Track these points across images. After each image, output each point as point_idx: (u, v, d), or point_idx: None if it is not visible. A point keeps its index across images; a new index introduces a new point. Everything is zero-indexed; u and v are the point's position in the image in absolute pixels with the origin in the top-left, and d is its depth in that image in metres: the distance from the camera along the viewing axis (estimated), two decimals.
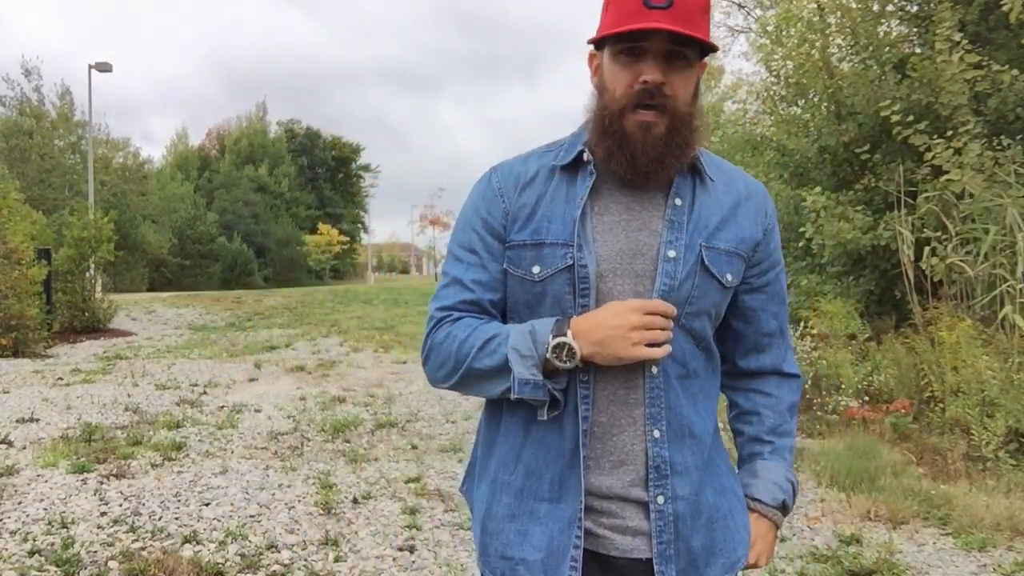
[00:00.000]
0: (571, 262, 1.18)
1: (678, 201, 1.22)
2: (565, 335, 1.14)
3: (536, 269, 1.20)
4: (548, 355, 1.14)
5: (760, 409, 1.36)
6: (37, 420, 6.26)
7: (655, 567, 1.18)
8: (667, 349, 1.14)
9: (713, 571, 1.23)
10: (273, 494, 4.32)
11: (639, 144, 1.16)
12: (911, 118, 6.74)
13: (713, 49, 1.16)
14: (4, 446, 5.38)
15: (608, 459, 1.20)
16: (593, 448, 1.20)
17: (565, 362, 1.14)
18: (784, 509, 1.34)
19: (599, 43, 1.21)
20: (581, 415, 1.19)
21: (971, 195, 6.22)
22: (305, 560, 3.43)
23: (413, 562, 3.43)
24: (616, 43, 1.16)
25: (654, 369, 1.19)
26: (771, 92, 10.03)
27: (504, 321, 1.27)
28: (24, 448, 5.34)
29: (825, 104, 9.06)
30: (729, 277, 1.23)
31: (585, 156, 1.23)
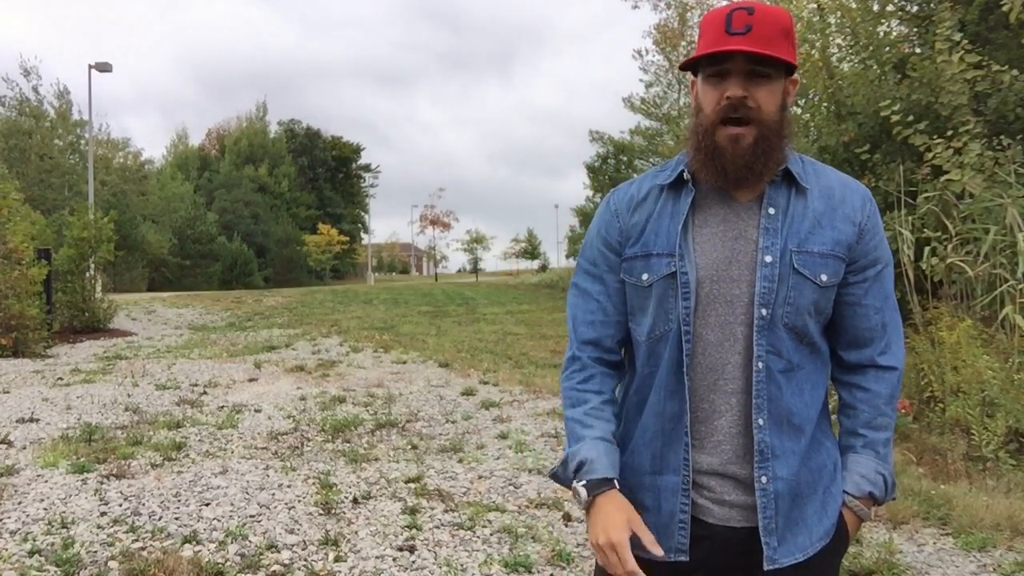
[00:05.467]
0: (674, 270, 1.36)
1: (771, 210, 1.35)
2: (581, 493, 1.37)
3: (645, 276, 1.39)
4: (573, 482, 1.40)
5: (856, 403, 1.44)
6: (37, 420, 6.26)
7: (761, 538, 1.33)
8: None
9: (806, 539, 1.37)
10: (273, 494, 4.32)
11: (729, 155, 1.31)
12: (911, 118, 6.74)
13: (793, 65, 1.32)
14: (4, 446, 5.38)
15: (709, 440, 1.36)
16: (697, 431, 1.37)
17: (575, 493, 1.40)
18: (873, 501, 1.43)
19: (695, 70, 1.38)
20: (687, 400, 1.36)
21: (971, 195, 6.22)
22: (305, 560, 3.43)
23: (413, 562, 3.43)
24: (706, 68, 1.33)
25: (759, 364, 1.32)
26: None
27: (623, 320, 1.46)
28: (24, 448, 5.34)
29: (825, 104, 9.07)
30: (824, 277, 1.34)
31: (685, 175, 1.39)
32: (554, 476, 1.47)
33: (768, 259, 1.32)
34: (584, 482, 1.36)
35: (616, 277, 1.44)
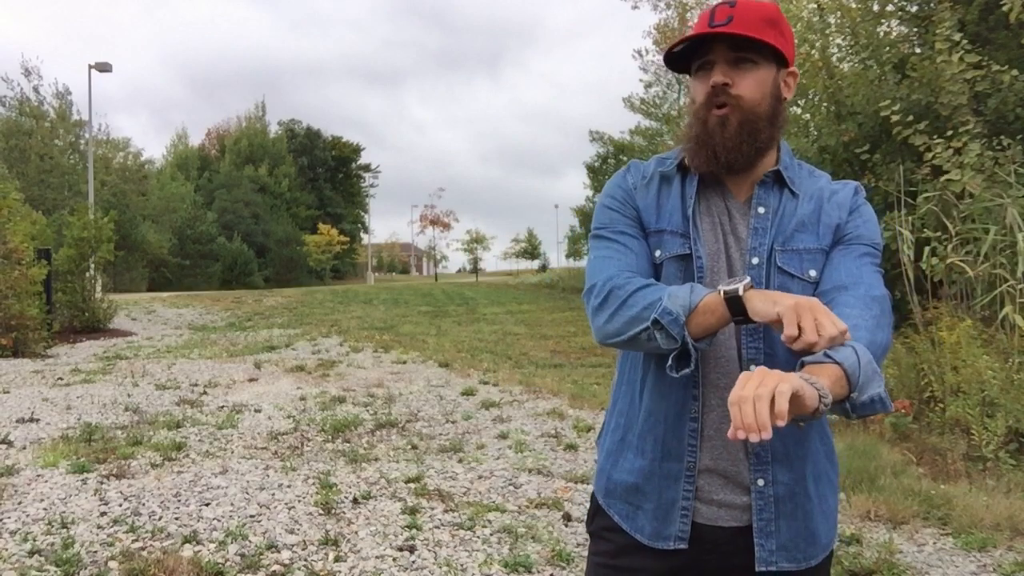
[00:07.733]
0: (688, 251, 1.33)
1: (761, 209, 1.34)
2: (737, 285, 1.17)
3: (658, 253, 1.36)
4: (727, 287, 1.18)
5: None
6: (37, 420, 6.26)
7: (755, 540, 1.30)
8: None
9: (809, 550, 1.34)
10: (273, 494, 4.32)
11: (718, 136, 1.31)
12: (911, 118, 6.74)
13: (782, 53, 1.31)
14: (4, 446, 5.38)
15: (699, 435, 1.32)
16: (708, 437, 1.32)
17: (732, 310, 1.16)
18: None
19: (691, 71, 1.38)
20: (698, 387, 1.31)
21: (971, 195, 6.22)
22: (305, 560, 3.43)
23: (413, 562, 3.43)
24: (695, 61, 1.35)
25: (752, 368, 1.24)
26: None
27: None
28: (24, 448, 5.34)
29: (825, 104, 9.07)
30: (813, 272, 1.32)
31: (686, 161, 1.38)
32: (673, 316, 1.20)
33: (755, 261, 1.31)
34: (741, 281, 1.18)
35: (633, 236, 1.36)
